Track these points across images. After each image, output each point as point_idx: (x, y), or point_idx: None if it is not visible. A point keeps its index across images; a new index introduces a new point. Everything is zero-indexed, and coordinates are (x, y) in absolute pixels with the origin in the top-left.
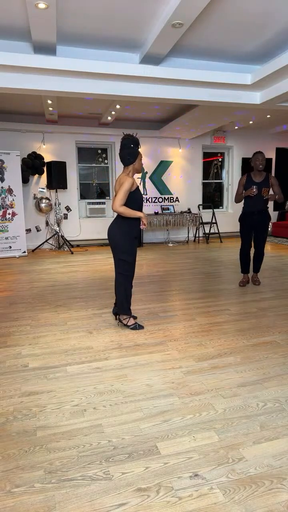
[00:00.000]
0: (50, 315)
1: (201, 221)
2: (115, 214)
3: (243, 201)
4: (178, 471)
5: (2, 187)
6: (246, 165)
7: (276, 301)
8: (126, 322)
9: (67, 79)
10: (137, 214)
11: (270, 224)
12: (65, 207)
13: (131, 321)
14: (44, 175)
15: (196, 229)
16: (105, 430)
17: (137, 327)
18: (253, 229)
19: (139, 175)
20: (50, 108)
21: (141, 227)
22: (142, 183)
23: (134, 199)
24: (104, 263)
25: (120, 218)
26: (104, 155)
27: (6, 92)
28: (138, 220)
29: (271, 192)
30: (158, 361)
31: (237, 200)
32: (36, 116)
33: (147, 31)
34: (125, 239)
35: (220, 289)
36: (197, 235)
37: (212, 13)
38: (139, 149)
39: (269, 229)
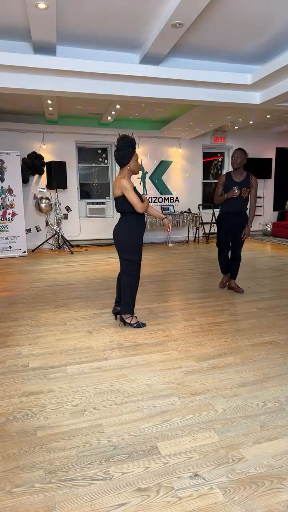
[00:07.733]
0: (50, 315)
1: (201, 221)
2: (118, 215)
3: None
4: (178, 471)
5: (2, 187)
6: (246, 165)
7: (276, 301)
8: (129, 321)
9: (67, 79)
10: (161, 215)
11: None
12: (65, 207)
13: (134, 320)
14: (44, 175)
15: (196, 229)
16: (105, 430)
17: (140, 325)
18: (230, 232)
19: (139, 175)
20: (50, 108)
21: (166, 234)
22: (142, 183)
23: None
24: (104, 263)
25: (124, 218)
26: (104, 155)
27: (6, 92)
28: (142, 219)
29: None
30: (158, 361)
31: (217, 201)
32: (36, 116)
33: (147, 31)
34: (130, 239)
35: (220, 289)
36: (197, 235)
37: (212, 13)
38: (136, 150)
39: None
